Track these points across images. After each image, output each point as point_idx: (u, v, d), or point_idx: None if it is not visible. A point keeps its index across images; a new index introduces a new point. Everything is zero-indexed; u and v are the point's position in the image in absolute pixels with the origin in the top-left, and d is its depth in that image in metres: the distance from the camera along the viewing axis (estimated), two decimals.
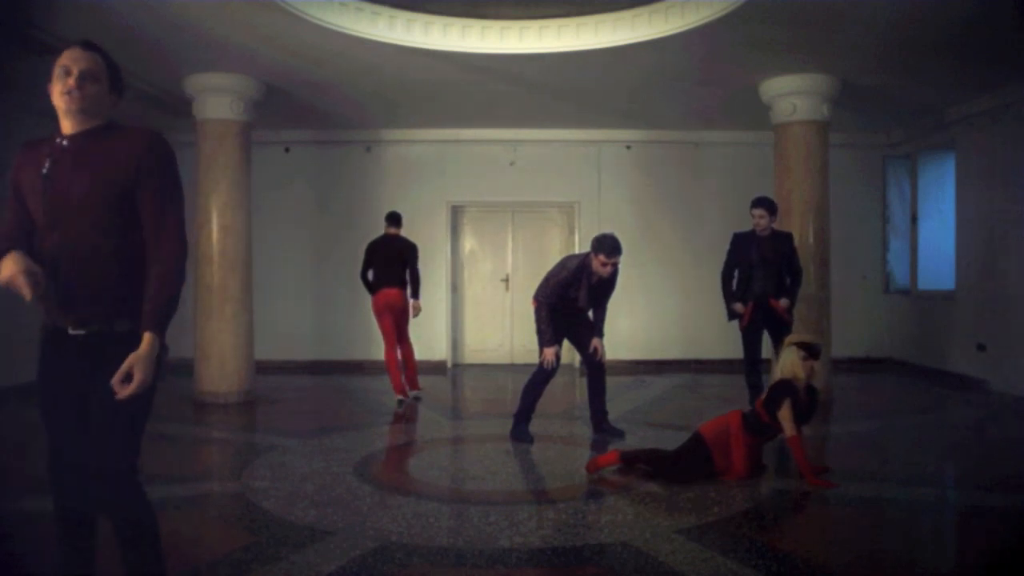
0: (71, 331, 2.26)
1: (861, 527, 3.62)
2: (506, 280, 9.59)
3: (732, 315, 5.95)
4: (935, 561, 3.38)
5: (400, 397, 6.94)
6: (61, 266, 2.22)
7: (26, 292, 2.12)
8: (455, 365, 9.48)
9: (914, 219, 8.94)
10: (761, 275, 5.83)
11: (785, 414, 4.20)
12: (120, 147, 2.25)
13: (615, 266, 5.22)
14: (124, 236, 2.25)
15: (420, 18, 5.92)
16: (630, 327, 9.18)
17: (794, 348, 4.34)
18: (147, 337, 2.19)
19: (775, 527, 3.73)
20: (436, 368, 9.17)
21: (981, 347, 7.56)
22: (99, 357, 2.23)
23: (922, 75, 6.72)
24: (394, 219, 7.15)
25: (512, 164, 9.31)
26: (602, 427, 5.52)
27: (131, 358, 2.15)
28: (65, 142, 2.26)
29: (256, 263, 7.49)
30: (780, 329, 5.74)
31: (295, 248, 9.28)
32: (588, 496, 4.17)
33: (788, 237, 6.02)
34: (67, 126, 2.28)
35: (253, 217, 7.29)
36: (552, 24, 6.05)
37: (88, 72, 2.25)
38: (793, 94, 6.86)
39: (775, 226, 5.98)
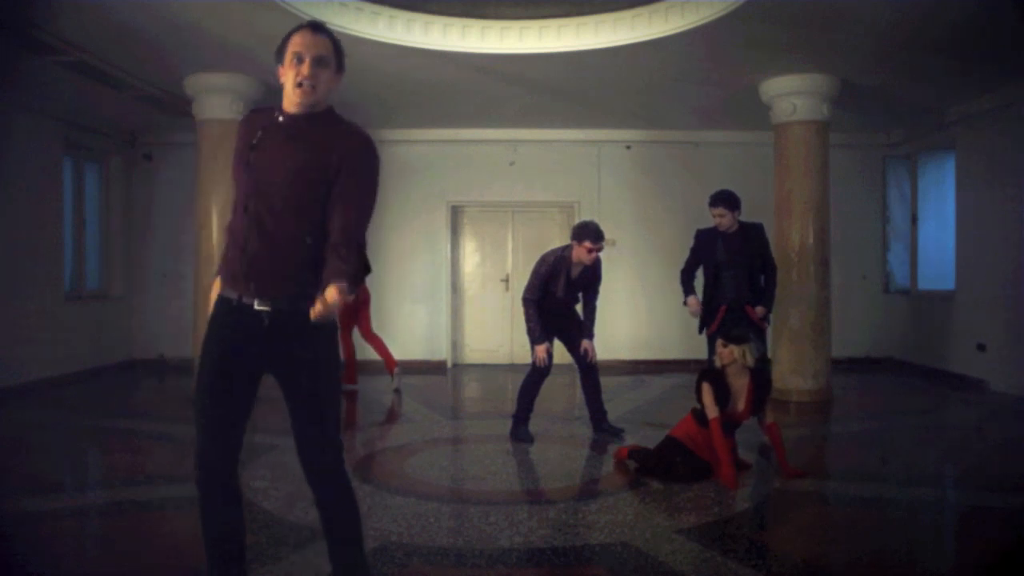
0: (257, 306, 2.24)
1: (861, 527, 3.62)
2: (506, 280, 9.58)
3: (701, 324, 5.43)
4: (935, 561, 3.37)
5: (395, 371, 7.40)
6: (253, 238, 2.24)
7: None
8: (455, 365, 9.47)
9: (914, 219, 8.93)
10: (731, 276, 5.31)
11: (704, 399, 4.31)
12: (332, 139, 2.24)
13: (599, 254, 5.23)
14: (316, 223, 2.23)
15: (420, 18, 5.91)
16: (630, 327, 9.18)
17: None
18: (333, 288, 2.13)
19: (775, 527, 3.73)
20: (436, 368, 9.17)
21: (981, 347, 7.55)
22: (285, 335, 2.24)
23: (922, 75, 6.72)
24: None
25: (512, 164, 9.31)
26: (602, 427, 5.51)
27: (330, 300, 2.12)
28: (281, 118, 2.28)
29: None
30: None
31: None
32: (588, 496, 4.18)
33: (758, 229, 5.46)
34: (289, 105, 2.27)
35: None
36: (552, 24, 6.04)
37: (320, 59, 2.25)
38: (793, 94, 6.86)
39: (742, 219, 5.44)
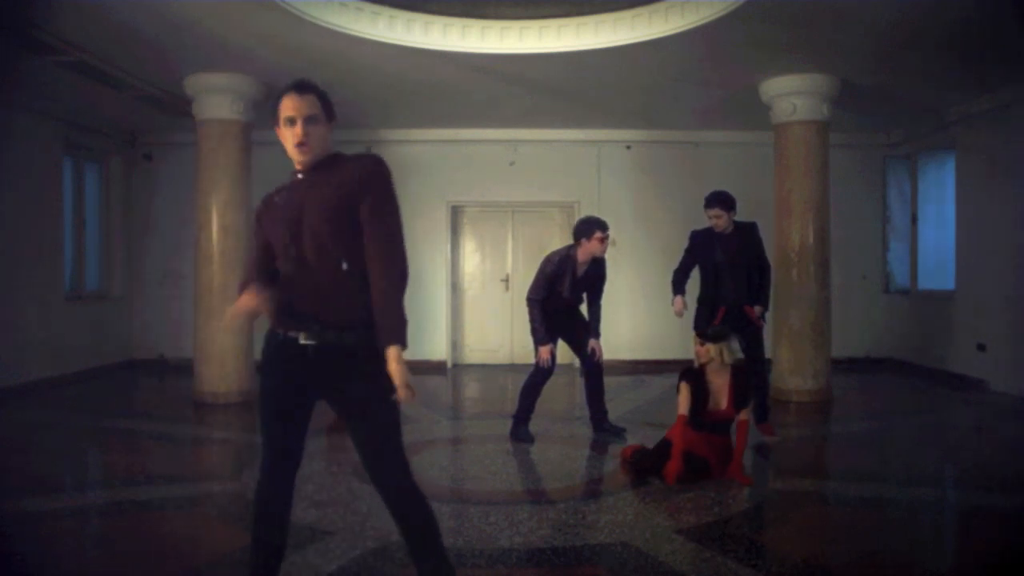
0: (302, 341, 2.35)
1: (861, 527, 3.62)
2: (506, 280, 9.58)
3: (702, 323, 5.28)
4: (935, 561, 3.37)
5: None
6: (299, 278, 2.38)
7: (262, 308, 2.37)
8: (455, 365, 9.48)
9: (914, 219, 8.93)
10: (730, 278, 5.29)
11: (680, 397, 4.38)
12: (348, 169, 2.42)
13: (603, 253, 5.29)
14: (353, 253, 2.35)
15: (420, 18, 5.91)
16: (630, 327, 9.18)
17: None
18: (393, 351, 2.26)
19: (775, 527, 3.73)
20: (436, 368, 9.17)
21: (981, 347, 7.56)
22: (332, 367, 2.35)
23: (922, 75, 6.72)
24: None
25: (512, 164, 9.31)
26: (603, 427, 5.51)
27: (398, 374, 2.24)
28: (299, 175, 2.48)
29: None
30: (751, 336, 5.29)
31: None
32: (588, 496, 4.18)
33: (752, 228, 5.42)
34: (296, 163, 2.48)
35: (253, 217, 7.28)
36: (552, 24, 6.04)
37: (310, 118, 2.43)
38: (793, 94, 6.86)
39: (738, 219, 5.39)
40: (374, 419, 2.38)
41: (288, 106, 2.43)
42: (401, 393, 2.23)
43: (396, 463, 2.40)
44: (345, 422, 2.43)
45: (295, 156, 2.45)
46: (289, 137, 2.43)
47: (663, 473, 4.24)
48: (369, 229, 2.34)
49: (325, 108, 2.49)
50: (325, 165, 2.46)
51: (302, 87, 2.47)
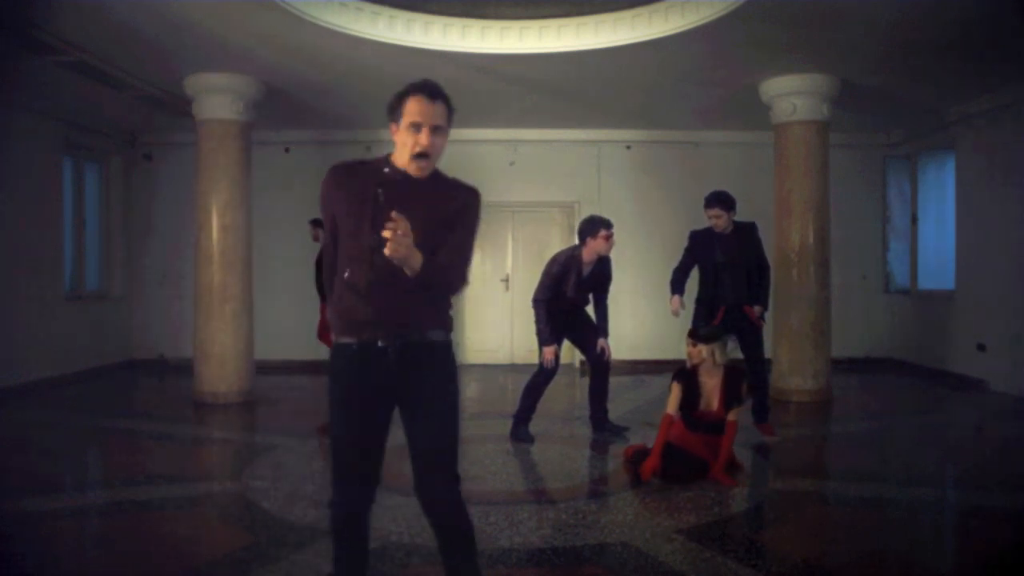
0: (380, 343, 2.26)
1: (861, 527, 3.62)
2: (506, 280, 9.58)
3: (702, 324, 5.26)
4: (935, 561, 3.38)
5: None
6: (380, 288, 2.26)
7: None
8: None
9: (914, 219, 8.93)
10: (729, 277, 5.30)
11: (670, 397, 4.39)
12: (451, 192, 2.36)
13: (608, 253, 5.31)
14: None
15: (420, 18, 5.91)
16: (631, 327, 9.17)
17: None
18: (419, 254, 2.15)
19: (775, 527, 3.73)
20: None
21: (981, 347, 7.55)
22: (415, 367, 2.28)
23: (922, 75, 6.72)
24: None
25: (512, 164, 9.31)
26: (604, 426, 5.52)
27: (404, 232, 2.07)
28: (399, 177, 2.33)
29: (256, 263, 7.49)
30: (750, 336, 5.33)
31: (295, 248, 9.27)
32: (588, 496, 4.18)
33: (751, 228, 5.44)
34: (407, 168, 2.33)
35: (253, 217, 7.29)
36: (552, 24, 6.04)
37: (437, 128, 2.31)
38: (793, 94, 6.86)
39: (737, 218, 5.41)
40: (443, 417, 2.32)
41: (415, 110, 2.30)
42: (389, 229, 2.05)
43: (452, 469, 2.33)
44: (410, 424, 2.32)
45: (411, 167, 2.30)
46: (410, 144, 2.29)
47: (639, 470, 4.25)
48: (450, 253, 2.30)
49: (449, 119, 2.38)
50: (427, 182, 2.34)
51: (434, 93, 2.35)
